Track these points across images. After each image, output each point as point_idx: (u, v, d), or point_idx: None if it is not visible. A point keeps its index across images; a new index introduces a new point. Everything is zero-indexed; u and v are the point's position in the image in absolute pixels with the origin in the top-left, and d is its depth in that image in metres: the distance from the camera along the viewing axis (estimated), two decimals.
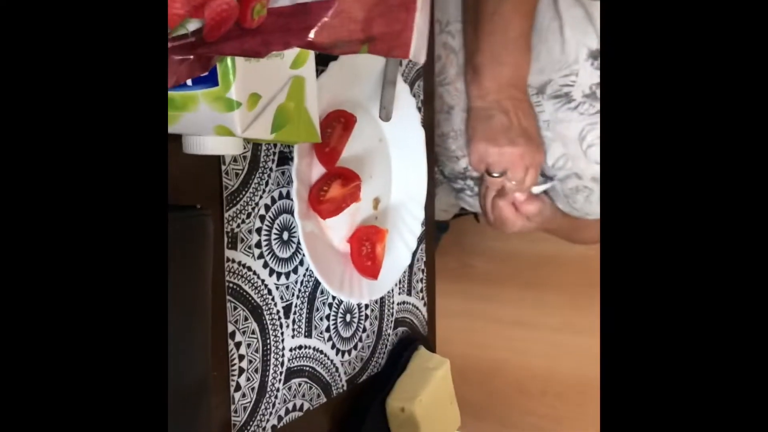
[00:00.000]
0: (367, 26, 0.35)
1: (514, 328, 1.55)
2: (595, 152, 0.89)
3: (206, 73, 0.44)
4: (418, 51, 0.37)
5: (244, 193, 0.59)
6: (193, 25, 0.39)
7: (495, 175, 0.88)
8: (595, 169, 0.91)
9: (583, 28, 0.82)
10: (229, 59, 0.44)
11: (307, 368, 0.68)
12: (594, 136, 0.88)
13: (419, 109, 0.79)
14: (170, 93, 0.47)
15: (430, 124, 0.84)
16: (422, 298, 0.85)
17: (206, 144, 0.47)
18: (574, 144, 0.89)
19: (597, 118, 0.86)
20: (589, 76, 0.84)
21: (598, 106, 0.85)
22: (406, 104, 0.75)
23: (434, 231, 0.89)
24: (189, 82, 0.46)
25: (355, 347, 0.74)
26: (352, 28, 0.34)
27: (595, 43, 0.82)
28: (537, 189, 0.95)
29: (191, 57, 0.40)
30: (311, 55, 0.51)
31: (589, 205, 0.98)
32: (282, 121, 0.49)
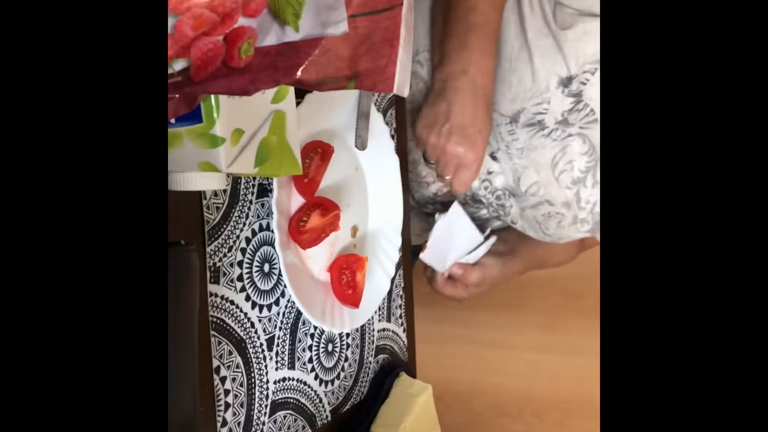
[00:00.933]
0: (353, 63, 0.36)
1: (490, 349, 1.56)
2: (566, 178, 0.91)
3: (190, 111, 0.45)
4: (401, 85, 0.38)
5: (225, 226, 0.59)
6: (179, 65, 0.39)
7: (431, 162, 0.86)
8: (566, 195, 0.93)
9: (552, 57, 0.84)
10: (212, 96, 0.45)
11: (292, 400, 0.67)
12: (564, 161, 0.90)
13: (392, 136, 0.80)
14: None
15: (403, 151, 0.85)
16: (401, 324, 0.85)
17: (191, 180, 0.48)
18: (546, 171, 0.91)
19: (567, 143, 0.88)
20: (560, 103, 0.85)
21: (569, 130, 0.87)
22: (380, 132, 0.76)
23: (410, 257, 0.90)
24: (172, 120, 0.46)
25: (338, 377, 0.74)
26: (339, 66, 0.35)
27: (564, 71, 0.84)
28: (473, 257, 0.94)
29: (176, 96, 0.41)
30: (291, 89, 0.51)
31: (561, 230, 0.99)
32: (265, 155, 0.50)
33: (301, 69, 0.34)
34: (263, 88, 0.36)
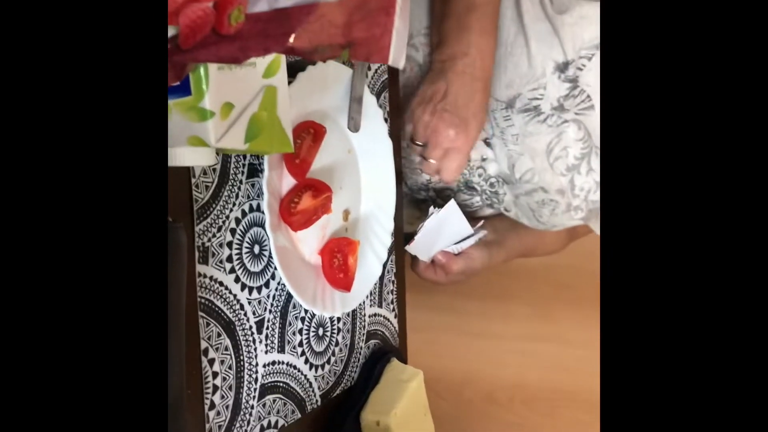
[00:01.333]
0: (347, 30, 0.34)
1: (481, 338, 1.55)
2: (561, 164, 0.90)
3: (178, 83, 0.43)
4: (397, 56, 0.37)
5: (214, 206, 0.58)
6: (168, 32, 0.38)
7: (418, 143, 0.83)
8: (561, 182, 0.92)
9: (548, 42, 0.83)
10: (202, 68, 0.44)
11: (281, 384, 0.66)
12: (560, 148, 0.89)
13: (386, 120, 0.79)
14: None
15: (397, 135, 0.84)
16: (393, 310, 0.84)
17: (180, 155, 0.46)
18: (541, 157, 0.90)
19: (563, 129, 0.87)
20: (556, 89, 0.84)
21: (564, 116, 0.86)
22: (374, 115, 0.75)
23: (402, 242, 0.89)
24: None
25: (328, 361, 0.73)
26: (333, 33, 0.34)
27: (561, 57, 0.83)
28: (456, 248, 0.93)
29: None
30: (283, 64, 0.50)
31: (554, 217, 0.98)
32: (255, 130, 0.48)
33: (293, 36, 0.33)
34: (254, 56, 0.35)
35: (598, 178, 0.90)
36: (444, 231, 0.92)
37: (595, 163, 0.89)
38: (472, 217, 0.96)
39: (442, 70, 0.83)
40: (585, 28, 0.82)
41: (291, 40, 0.33)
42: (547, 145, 0.89)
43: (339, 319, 0.74)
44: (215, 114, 0.45)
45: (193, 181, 0.56)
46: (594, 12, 0.82)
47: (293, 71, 0.62)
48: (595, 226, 1.06)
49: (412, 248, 0.90)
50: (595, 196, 0.92)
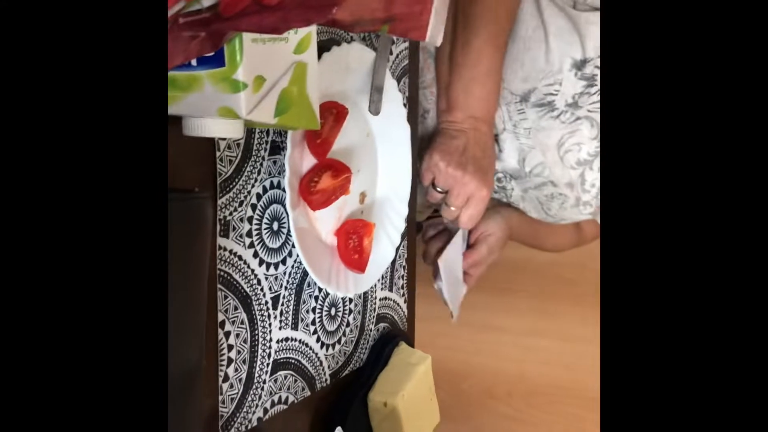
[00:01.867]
0: (388, 5, 0.35)
1: (482, 331, 1.56)
2: (571, 158, 0.90)
3: (212, 54, 0.44)
4: (434, 35, 0.37)
5: (237, 180, 0.59)
6: (208, 1, 0.38)
7: (438, 189, 0.88)
8: (571, 175, 0.92)
9: (567, 38, 0.83)
10: (237, 39, 0.44)
11: (293, 361, 0.67)
12: (571, 142, 0.89)
13: (405, 105, 0.79)
14: (173, 73, 0.46)
15: (414, 121, 0.84)
16: (403, 295, 0.85)
17: (209, 126, 0.47)
18: (552, 152, 0.90)
19: (576, 126, 0.88)
20: (572, 85, 0.85)
21: (578, 113, 0.87)
22: (394, 99, 0.75)
23: (415, 228, 0.90)
24: (193, 62, 0.45)
25: (339, 341, 0.74)
26: (375, 7, 0.35)
27: (579, 54, 0.83)
28: (458, 260, 0.95)
29: (202, 34, 0.40)
30: (314, 40, 0.51)
31: (563, 211, 0.99)
32: (285, 105, 0.49)
33: (336, 8, 0.34)
34: (295, 27, 0.35)
35: None
36: (454, 266, 0.94)
37: None
38: None
39: (455, 130, 0.87)
40: None
41: (334, 11, 0.34)
42: (558, 140, 0.89)
43: (351, 300, 0.75)
44: (248, 86, 0.45)
45: (217, 154, 0.56)
46: None
47: (318, 51, 0.63)
48: None
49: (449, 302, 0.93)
50: None
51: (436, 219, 0.99)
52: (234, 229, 0.59)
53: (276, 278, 0.64)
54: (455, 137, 0.87)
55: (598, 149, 0.89)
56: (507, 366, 1.55)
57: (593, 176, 0.92)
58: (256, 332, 0.62)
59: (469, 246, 0.97)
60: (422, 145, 0.91)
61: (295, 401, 0.68)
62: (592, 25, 0.83)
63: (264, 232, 0.62)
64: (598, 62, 0.83)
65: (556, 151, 0.90)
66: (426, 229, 1.00)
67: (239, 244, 0.59)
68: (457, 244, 0.94)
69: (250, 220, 0.60)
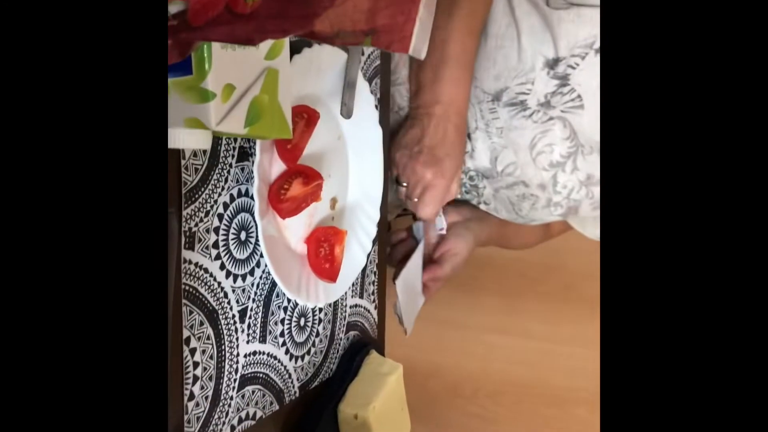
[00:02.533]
0: (371, 17, 0.33)
1: (447, 329, 1.55)
2: (544, 159, 0.89)
3: (179, 61, 0.41)
4: (418, 46, 0.35)
5: (203, 189, 0.56)
6: (175, 7, 0.35)
7: (403, 184, 0.86)
8: (543, 176, 0.91)
9: (540, 37, 0.82)
10: (205, 46, 0.41)
11: (261, 375, 0.65)
12: (543, 143, 0.88)
13: (376, 107, 0.77)
14: None
15: (386, 123, 0.82)
16: (373, 301, 0.83)
17: (175, 137, 0.44)
18: (525, 152, 0.89)
19: (548, 126, 0.87)
20: (544, 85, 0.84)
21: (550, 113, 0.86)
22: (365, 102, 0.73)
23: (386, 232, 0.88)
24: None
25: (308, 352, 0.71)
26: (357, 18, 0.32)
27: (551, 52, 0.82)
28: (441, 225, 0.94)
29: (169, 42, 0.37)
30: (286, 46, 0.48)
31: (534, 212, 0.98)
32: (256, 114, 0.46)
33: (317, 19, 0.31)
34: (271, 38, 0.33)
35: (582, 177, 0.90)
36: (414, 278, 0.93)
37: (581, 162, 0.88)
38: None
39: (416, 117, 0.86)
40: (581, 27, 0.81)
41: (316, 23, 0.31)
42: (530, 140, 0.88)
43: (321, 309, 0.73)
44: (216, 95, 0.42)
45: (182, 162, 0.53)
46: (593, 14, 0.81)
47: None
48: (574, 223, 1.06)
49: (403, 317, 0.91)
50: (578, 195, 0.92)
51: (400, 230, 0.98)
52: (200, 240, 0.56)
53: (243, 290, 0.61)
54: (413, 126, 0.85)
55: (571, 150, 0.88)
56: (472, 364, 1.54)
57: (565, 178, 0.91)
58: (223, 347, 0.59)
59: (434, 261, 0.96)
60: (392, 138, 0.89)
61: (263, 416, 0.65)
62: (564, 23, 0.82)
63: (231, 242, 0.59)
64: (572, 62, 0.82)
65: (528, 152, 0.89)
66: (392, 235, 0.99)
67: (205, 257, 0.56)
68: (419, 253, 0.92)
69: (216, 230, 0.57)
